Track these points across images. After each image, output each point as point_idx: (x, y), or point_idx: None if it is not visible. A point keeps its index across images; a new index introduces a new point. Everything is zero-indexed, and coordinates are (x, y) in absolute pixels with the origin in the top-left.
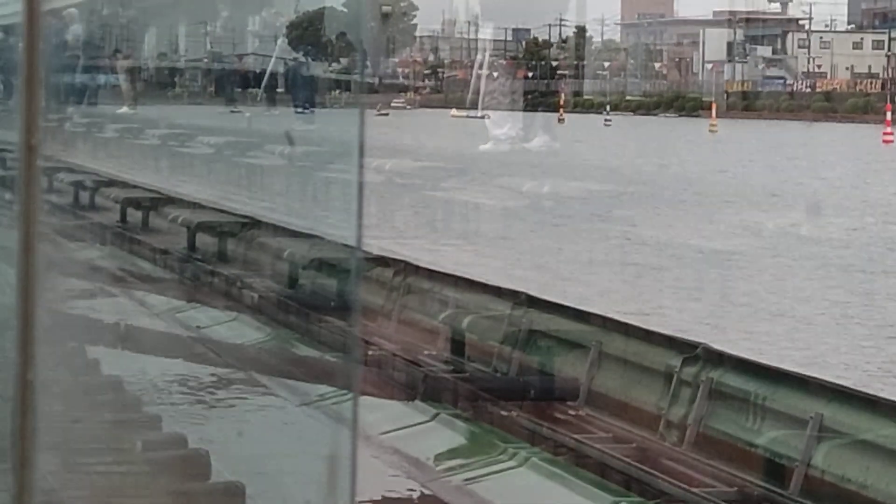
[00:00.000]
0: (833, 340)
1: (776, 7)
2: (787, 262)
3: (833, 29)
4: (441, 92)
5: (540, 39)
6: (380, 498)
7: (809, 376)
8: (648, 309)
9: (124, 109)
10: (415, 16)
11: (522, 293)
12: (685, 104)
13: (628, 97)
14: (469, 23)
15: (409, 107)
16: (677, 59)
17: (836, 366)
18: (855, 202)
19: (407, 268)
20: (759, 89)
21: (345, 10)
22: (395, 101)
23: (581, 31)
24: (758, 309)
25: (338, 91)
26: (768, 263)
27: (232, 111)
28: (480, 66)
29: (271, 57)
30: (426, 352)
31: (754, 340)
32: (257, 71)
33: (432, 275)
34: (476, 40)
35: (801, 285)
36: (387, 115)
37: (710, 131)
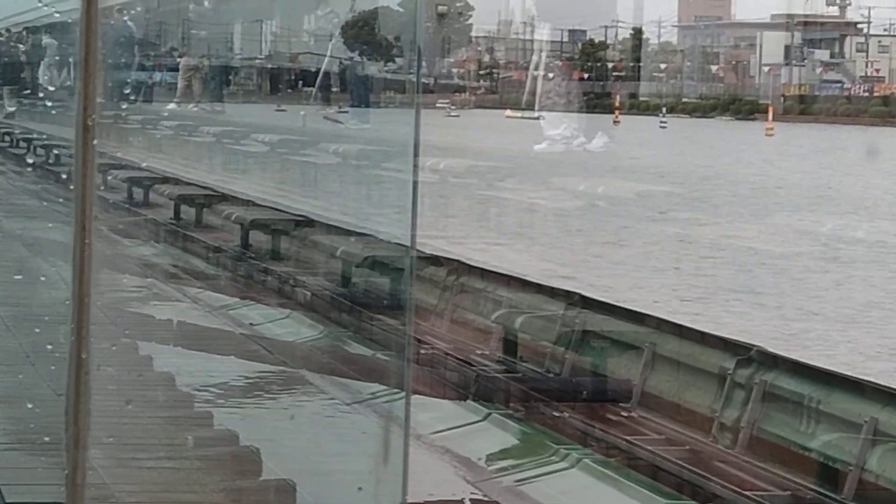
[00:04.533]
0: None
1: (834, 10)
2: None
3: (891, 33)
4: (496, 92)
5: (596, 41)
6: (430, 498)
7: (864, 380)
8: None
9: (171, 106)
10: (470, 16)
11: (576, 294)
12: (741, 107)
13: (684, 99)
14: (525, 24)
15: (454, 107)
16: (734, 62)
17: None
18: None
19: (460, 267)
20: (817, 93)
21: (401, 9)
22: (439, 101)
23: (637, 32)
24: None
25: (392, 91)
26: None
27: (277, 110)
28: (536, 67)
29: (326, 56)
30: (478, 351)
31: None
32: (312, 70)
33: (485, 274)
34: (532, 41)
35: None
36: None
37: (767, 135)
